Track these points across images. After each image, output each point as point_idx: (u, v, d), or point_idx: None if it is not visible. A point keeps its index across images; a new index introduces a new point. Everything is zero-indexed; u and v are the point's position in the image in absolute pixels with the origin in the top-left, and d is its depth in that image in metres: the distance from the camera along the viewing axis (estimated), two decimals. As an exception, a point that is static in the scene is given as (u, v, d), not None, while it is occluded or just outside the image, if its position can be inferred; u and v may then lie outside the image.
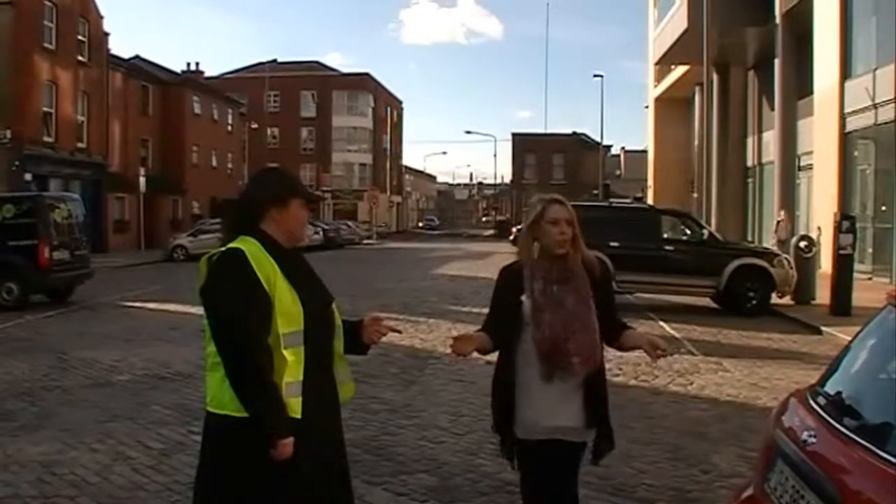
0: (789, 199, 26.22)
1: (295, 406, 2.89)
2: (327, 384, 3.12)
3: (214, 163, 53.61)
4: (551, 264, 3.55)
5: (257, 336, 2.84)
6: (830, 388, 2.89)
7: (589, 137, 76.41)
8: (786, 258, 15.95)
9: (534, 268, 3.57)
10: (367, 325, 3.33)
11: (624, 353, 3.80)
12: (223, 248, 2.98)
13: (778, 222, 18.21)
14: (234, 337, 2.84)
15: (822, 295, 15.51)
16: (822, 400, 2.83)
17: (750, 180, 33.91)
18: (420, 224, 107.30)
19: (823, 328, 13.08)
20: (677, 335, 12.84)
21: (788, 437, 2.78)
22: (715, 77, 31.37)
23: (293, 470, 2.87)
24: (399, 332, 3.60)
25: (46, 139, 34.15)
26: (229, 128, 57.16)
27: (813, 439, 2.60)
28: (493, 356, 3.73)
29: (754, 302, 15.44)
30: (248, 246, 2.94)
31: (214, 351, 2.90)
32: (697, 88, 34.91)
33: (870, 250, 21.15)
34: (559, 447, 3.53)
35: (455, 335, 3.59)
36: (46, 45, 34.12)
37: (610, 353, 10.98)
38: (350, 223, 56.08)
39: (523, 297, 3.54)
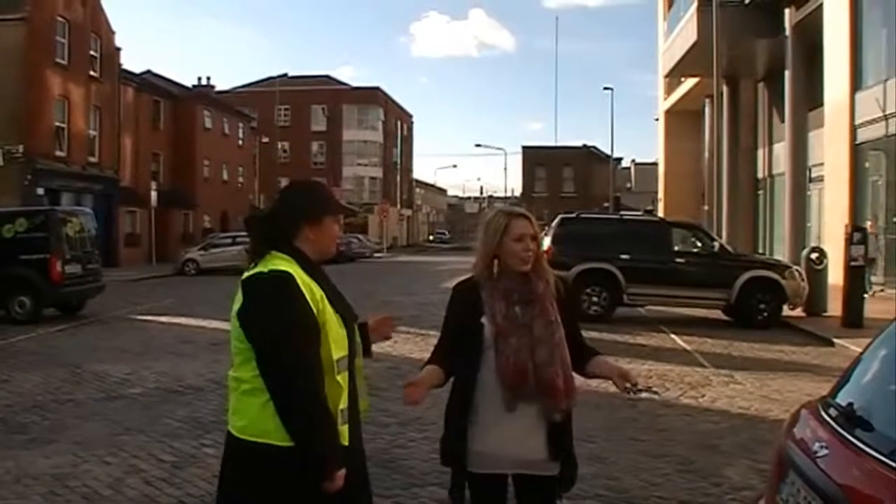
0: (800, 211, 26.16)
1: (344, 433, 2.85)
2: (353, 403, 3.04)
3: (225, 177, 53.81)
4: (513, 284, 3.32)
5: (314, 365, 2.76)
6: (842, 399, 2.88)
7: (599, 150, 76.45)
8: (797, 270, 15.91)
9: (494, 288, 3.34)
10: (375, 327, 3.34)
11: (588, 380, 3.55)
12: (268, 271, 2.83)
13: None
14: (292, 367, 2.72)
15: (834, 307, 15.45)
16: (833, 411, 2.82)
17: (760, 192, 33.81)
18: (430, 237, 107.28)
19: (835, 340, 13.03)
20: (688, 347, 12.83)
21: (800, 449, 2.77)
22: (725, 89, 31.35)
23: (333, 496, 2.78)
24: (399, 318, 3.51)
25: (58, 154, 34.39)
26: (240, 142, 57.39)
27: (825, 451, 2.59)
28: None
29: (765, 314, 15.39)
30: (291, 268, 2.84)
31: (251, 376, 2.78)
32: (707, 101, 34.93)
33: (881, 262, 21.03)
34: (525, 481, 3.35)
35: (407, 382, 3.32)
36: (59, 60, 34.40)
37: (621, 365, 10.90)
38: (360, 237, 56.09)
39: (483, 320, 3.30)
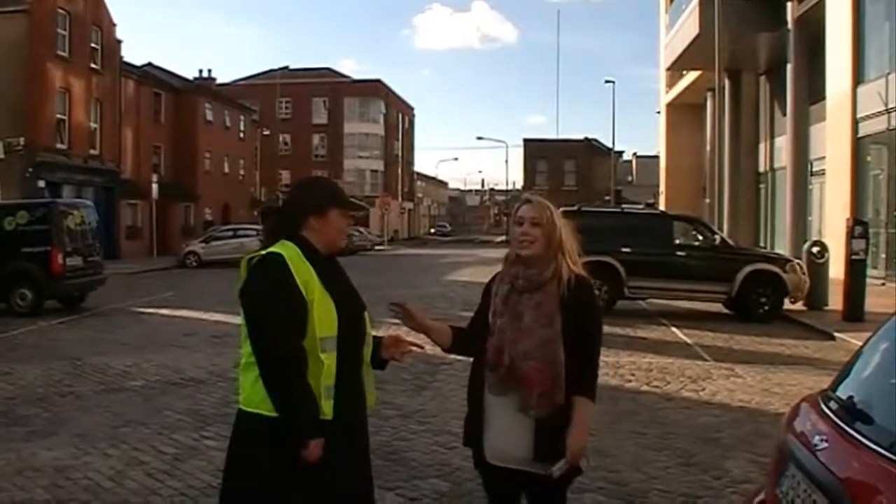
0: (802, 205, 26.13)
1: (327, 408, 2.97)
2: (357, 389, 3.19)
3: (226, 169, 53.76)
4: (520, 270, 3.32)
5: (292, 338, 2.93)
6: (842, 392, 2.88)
7: (601, 143, 76.38)
8: (798, 263, 15.89)
9: (505, 272, 3.40)
10: (388, 343, 3.41)
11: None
12: (263, 252, 3.06)
13: None
14: (269, 338, 2.93)
15: (835, 300, 15.45)
16: (833, 404, 2.83)
17: (762, 186, 33.80)
18: (432, 230, 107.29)
19: (836, 334, 13.03)
20: (689, 341, 12.83)
21: (800, 442, 2.77)
22: (727, 82, 31.30)
23: (319, 470, 2.94)
24: (422, 347, 3.63)
25: (59, 146, 34.38)
26: (241, 134, 57.32)
27: (824, 444, 2.59)
28: None
29: (766, 308, 15.37)
30: (287, 250, 3.03)
31: (249, 351, 2.99)
32: (709, 94, 34.85)
33: (883, 256, 21.05)
34: (519, 476, 3.26)
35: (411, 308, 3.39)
36: (60, 52, 34.37)
37: (622, 359, 10.90)
38: (362, 229, 56.03)
39: (494, 299, 3.39)
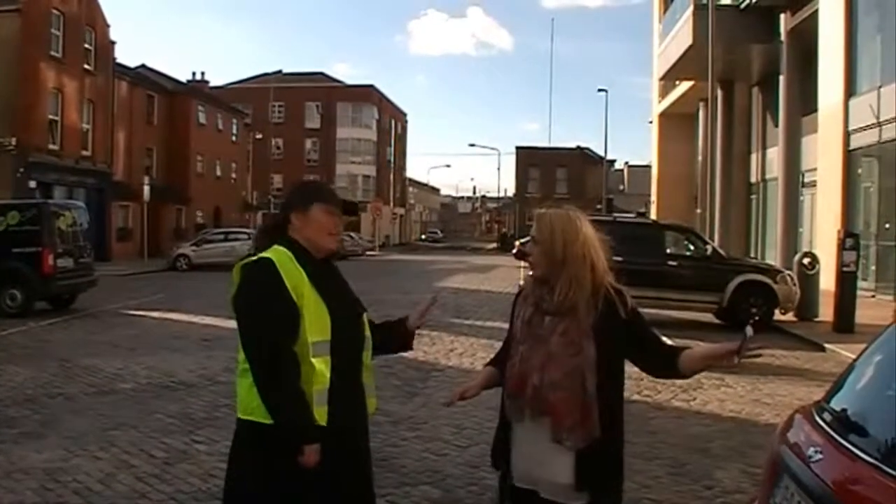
0: (793, 216, 26.21)
1: (321, 414, 2.93)
2: (356, 393, 3.15)
3: (218, 172, 53.68)
4: (543, 292, 3.08)
5: (282, 344, 2.88)
6: (836, 404, 2.89)
7: (593, 152, 76.53)
8: (788, 274, 15.93)
9: (529, 292, 3.17)
10: (412, 317, 3.48)
11: (690, 376, 3.32)
12: (255, 258, 3.01)
13: None
14: (260, 345, 2.90)
15: (826, 312, 15.49)
16: (828, 416, 2.83)
17: (753, 196, 33.90)
18: (423, 236, 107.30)
19: (826, 345, 13.06)
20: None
21: (794, 454, 2.77)
22: (719, 93, 31.36)
23: (318, 475, 2.91)
24: (435, 300, 3.61)
25: (51, 147, 34.26)
26: (234, 138, 57.28)
27: (819, 456, 2.60)
28: None
29: (757, 318, 15.40)
30: (277, 255, 2.98)
31: (244, 357, 2.95)
32: (702, 104, 34.98)
33: (873, 268, 21.12)
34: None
35: (461, 392, 3.27)
36: (53, 53, 34.28)
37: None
38: (353, 235, 55.91)
39: (517, 321, 3.19)
